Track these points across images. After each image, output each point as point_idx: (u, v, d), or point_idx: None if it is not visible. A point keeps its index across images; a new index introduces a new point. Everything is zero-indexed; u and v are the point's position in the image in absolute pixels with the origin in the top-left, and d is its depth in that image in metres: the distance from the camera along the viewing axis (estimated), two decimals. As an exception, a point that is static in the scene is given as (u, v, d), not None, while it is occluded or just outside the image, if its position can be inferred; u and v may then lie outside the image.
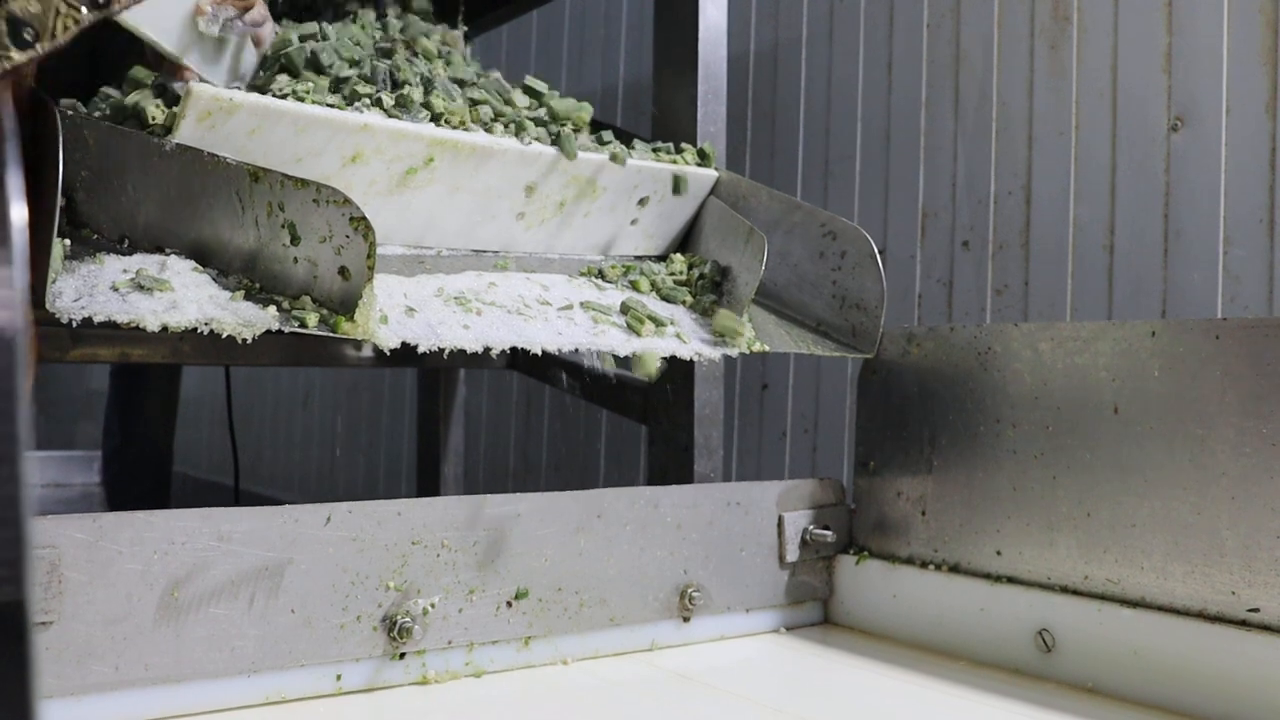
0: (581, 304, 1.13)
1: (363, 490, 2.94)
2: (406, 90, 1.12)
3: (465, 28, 1.48)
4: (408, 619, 0.91)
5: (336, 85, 1.12)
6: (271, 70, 1.14)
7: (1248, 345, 0.90)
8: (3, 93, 0.56)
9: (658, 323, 1.13)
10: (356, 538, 0.90)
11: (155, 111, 1.01)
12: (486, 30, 2.08)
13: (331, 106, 1.07)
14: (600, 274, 1.24)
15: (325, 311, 0.91)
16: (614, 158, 1.23)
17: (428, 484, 2.13)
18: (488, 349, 1.01)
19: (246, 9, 1.14)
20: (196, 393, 3.49)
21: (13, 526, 0.35)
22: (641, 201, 1.29)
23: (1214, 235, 1.36)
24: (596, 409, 2.18)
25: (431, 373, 2.10)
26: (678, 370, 1.42)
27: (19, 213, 0.36)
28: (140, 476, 2.30)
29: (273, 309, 0.90)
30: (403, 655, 0.92)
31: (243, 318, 0.88)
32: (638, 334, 1.11)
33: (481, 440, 2.57)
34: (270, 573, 0.86)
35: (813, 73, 1.88)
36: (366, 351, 1.79)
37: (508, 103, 1.24)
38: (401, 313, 0.99)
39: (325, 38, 1.18)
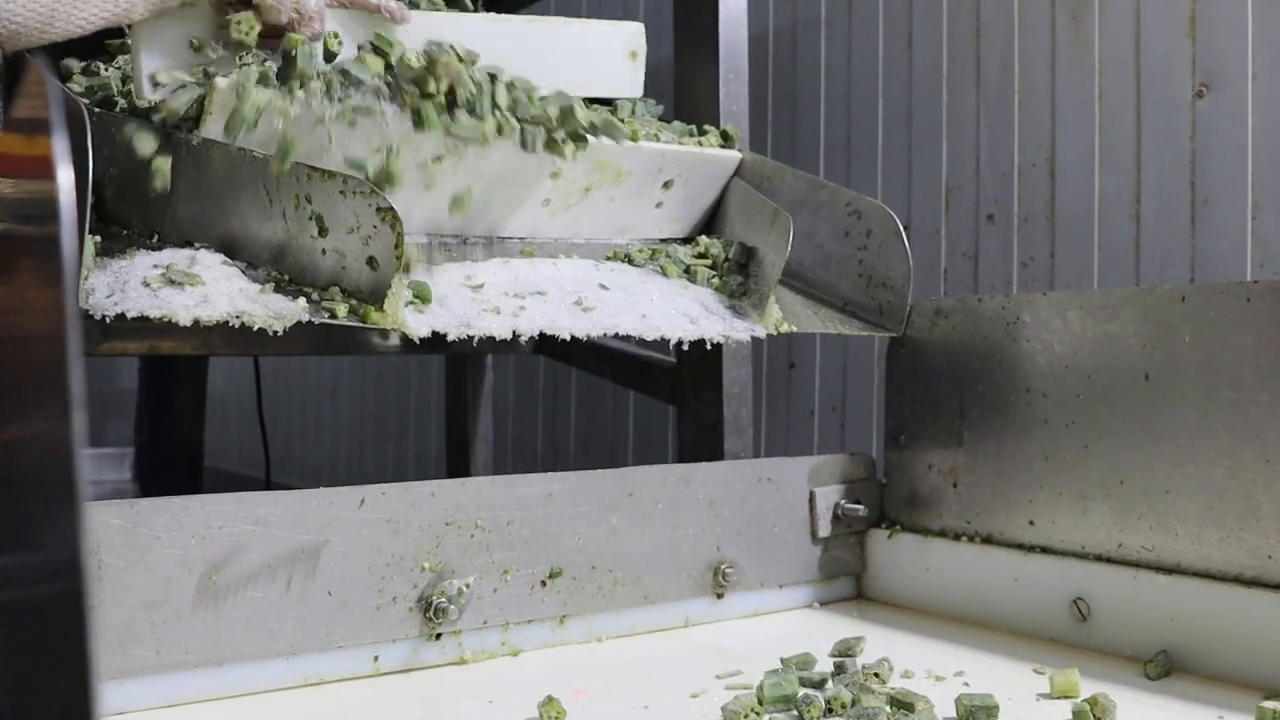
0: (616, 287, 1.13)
1: (392, 479, 2.95)
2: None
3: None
4: (443, 599, 0.92)
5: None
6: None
7: (1280, 308, 0.89)
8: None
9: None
10: (391, 519, 0.91)
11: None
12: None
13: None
14: (628, 258, 1.24)
15: (354, 302, 0.91)
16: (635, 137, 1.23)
17: (457, 471, 2.14)
18: (517, 335, 1.01)
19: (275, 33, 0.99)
20: (224, 388, 3.51)
21: (69, 515, 0.35)
22: (666, 185, 1.29)
23: (1242, 202, 1.35)
24: (624, 391, 2.18)
25: (459, 359, 2.11)
26: (706, 350, 1.42)
27: (66, 176, 0.36)
28: (172, 471, 2.32)
29: (302, 300, 0.90)
30: (439, 635, 0.93)
31: (273, 310, 0.89)
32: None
33: (509, 425, 2.58)
34: (306, 555, 0.87)
35: (833, 49, 1.88)
36: (394, 339, 1.80)
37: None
38: (429, 301, 0.99)
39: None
